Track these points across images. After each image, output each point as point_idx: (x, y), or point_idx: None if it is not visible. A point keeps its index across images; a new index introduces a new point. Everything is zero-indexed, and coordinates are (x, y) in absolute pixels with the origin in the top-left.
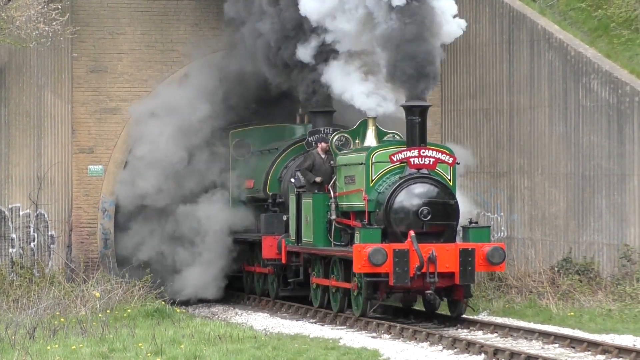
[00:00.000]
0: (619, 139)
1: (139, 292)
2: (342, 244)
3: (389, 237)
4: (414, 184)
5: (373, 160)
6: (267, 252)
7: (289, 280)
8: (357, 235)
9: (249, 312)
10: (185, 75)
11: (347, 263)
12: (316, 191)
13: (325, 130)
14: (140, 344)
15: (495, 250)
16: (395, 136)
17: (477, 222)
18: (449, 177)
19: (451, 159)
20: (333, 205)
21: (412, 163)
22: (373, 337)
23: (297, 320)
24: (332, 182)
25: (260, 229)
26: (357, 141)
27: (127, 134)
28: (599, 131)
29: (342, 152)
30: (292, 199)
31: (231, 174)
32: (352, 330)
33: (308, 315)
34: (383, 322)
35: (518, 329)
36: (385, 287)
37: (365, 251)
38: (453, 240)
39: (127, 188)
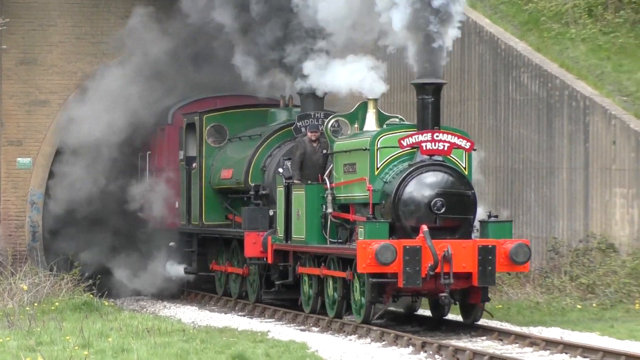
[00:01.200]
0: (548, 132)
1: (67, 285)
2: (339, 240)
3: (397, 232)
4: (426, 172)
5: (379, 146)
6: (250, 250)
7: (276, 283)
8: (360, 230)
9: (178, 305)
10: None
11: (346, 263)
12: (309, 182)
13: (316, 115)
14: (67, 337)
15: (519, 248)
16: (397, 120)
17: (497, 216)
18: (464, 165)
19: (468, 143)
20: (329, 198)
21: (425, 148)
22: (302, 329)
23: (225, 314)
24: (327, 171)
25: (237, 224)
26: (355, 126)
27: (57, 126)
28: (528, 125)
29: (340, 137)
30: (280, 191)
31: (204, 162)
32: (281, 323)
33: (237, 308)
34: (311, 315)
35: (447, 322)
36: (393, 289)
37: (372, 248)
38: (469, 236)
39: (60, 180)
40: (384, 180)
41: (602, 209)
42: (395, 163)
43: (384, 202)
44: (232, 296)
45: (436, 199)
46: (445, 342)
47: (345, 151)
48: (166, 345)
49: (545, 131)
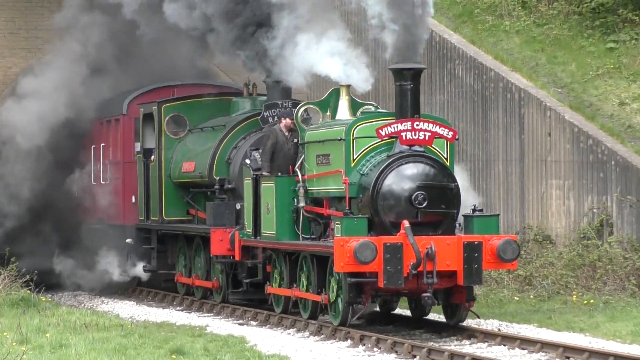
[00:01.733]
0: (483, 124)
1: (4, 281)
2: (313, 236)
3: (375, 228)
4: (405, 163)
5: (355, 135)
6: (217, 248)
7: (245, 282)
8: (337, 226)
9: (116, 300)
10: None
11: (321, 260)
12: (279, 174)
13: (284, 104)
14: (5, 333)
15: (507, 244)
16: (371, 108)
17: (482, 210)
18: (445, 156)
19: (450, 133)
20: (301, 191)
21: (404, 138)
22: (240, 324)
23: (163, 309)
24: (299, 162)
25: (200, 219)
26: (327, 114)
27: None
28: (463, 117)
29: (311, 126)
30: (247, 184)
31: (164, 155)
32: (219, 317)
33: (175, 303)
34: (250, 309)
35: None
36: (372, 289)
37: (350, 246)
38: (453, 232)
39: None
40: (361, 172)
41: (538, 200)
42: (372, 154)
43: (361, 195)
44: (195, 296)
45: (417, 192)
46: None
47: (318, 141)
48: (104, 341)
49: (480, 123)
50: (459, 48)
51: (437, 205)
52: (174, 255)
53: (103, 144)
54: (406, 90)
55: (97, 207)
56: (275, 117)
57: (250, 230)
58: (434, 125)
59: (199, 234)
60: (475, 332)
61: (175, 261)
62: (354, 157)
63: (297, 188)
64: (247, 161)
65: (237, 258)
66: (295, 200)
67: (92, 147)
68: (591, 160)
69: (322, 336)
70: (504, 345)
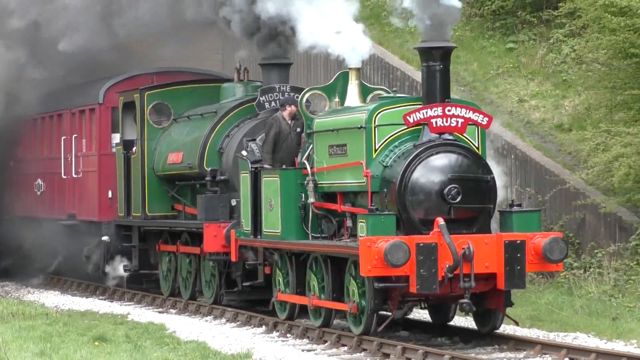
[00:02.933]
0: None
1: None
2: (324, 235)
3: (402, 226)
4: (436, 153)
5: (377, 123)
6: (211, 244)
7: (244, 285)
8: (361, 224)
9: (41, 290)
10: None
11: (337, 262)
12: (284, 166)
13: (281, 88)
14: None
15: (554, 243)
16: (383, 93)
17: (520, 205)
18: (476, 145)
19: (486, 119)
20: (311, 185)
21: (435, 125)
22: (160, 312)
23: (87, 298)
24: (305, 154)
25: (188, 215)
26: (336, 100)
27: None
28: None
29: (320, 113)
30: (244, 177)
31: (147, 146)
32: (140, 306)
33: (97, 292)
34: (170, 297)
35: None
36: (400, 294)
37: (378, 247)
38: (488, 229)
39: None
40: (384, 164)
41: None
42: (396, 144)
43: (385, 190)
44: (182, 296)
45: (450, 186)
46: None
47: (332, 130)
48: (30, 329)
49: None
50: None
51: (471, 199)
52: (155, 255)
53: (75, 135)
54: (434, 71)
55: (68, 202)
56: (275, 103)
57: (249, 229)
58: (468, 111)
59: (189, 230)
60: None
61: (159, 260)
62: (376, 147)
63: (305, 182)
64: (244, 152)
65: (233, 259)
66: (303, 195)
67: (63, 138)
68: (492, 154)
69: (238, 322)
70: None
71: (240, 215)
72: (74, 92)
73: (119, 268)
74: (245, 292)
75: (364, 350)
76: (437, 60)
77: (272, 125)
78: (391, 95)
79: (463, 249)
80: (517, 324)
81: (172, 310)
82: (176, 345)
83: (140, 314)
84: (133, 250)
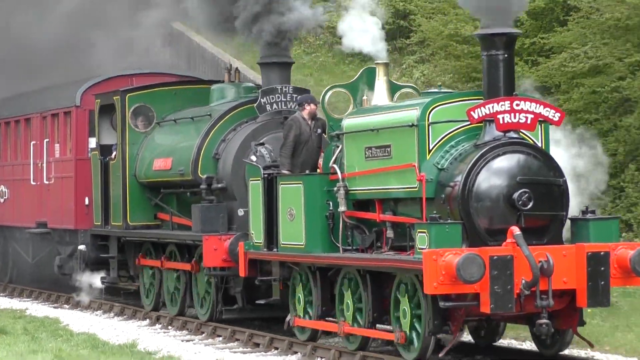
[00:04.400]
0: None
1: None
2: (355, 247)
3: (467, 236)
4: (503, 154)
5: (431, 120)
6: (210, 259)
7: (260, 302)
8: (421, 235)
9: None
10: None
11: (377, 278)
12: (307, 172)
13: (284, 89)
14: None
15: None
16: (411, 91)
17: (594, 212)
18: (540, 145)
19: (557, 114)
20: (342, 192)
21: (502, 122)
22: (55, 307)
23: None
24: (333, 157)
25: (175, 225)
26: (364, 98)
27: None
28: None
29: (350, 112)
30: (254, 185)
31: (128, 151)
32: (37, 302)
33: None
34: (63, 294)
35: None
36: (464, 315)
37: (446, 260)
38: (560, 240)
39: None
40: (439, 166)
41: None
42: (452, 143)
43: (442, 195)
44: (167, 310)
45: (521, 191)
46: None
47: (370, 130)
48: None
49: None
50: (242, 73)
51: (543, 206)
52: (134, 266)
53: (47, 140)
54: (498, 61)
55: (38, 209)
56: (277, 105)
57: (260, 241)
58: (538, 105)
59: (181, 242)
60: None
61: (140, 272)
62: (430, 148)
63: (335, 189)
64: (253, 158)
65: (242, 274)
66: (331, 203)
67: (32, 143)
68: None
69: (124, 316)
70: None
71: (249, 226)
72: (43, 95)
73: (95, 279)
74: (247, 309)
75: None
76: (500, 48)
77: (292, 126)
78: (413, 92)
79: (541, 262)
80: (592, 345)
81: (65, 305)
82: (69, 337)
83: (37, 309)
84: (111, 262)
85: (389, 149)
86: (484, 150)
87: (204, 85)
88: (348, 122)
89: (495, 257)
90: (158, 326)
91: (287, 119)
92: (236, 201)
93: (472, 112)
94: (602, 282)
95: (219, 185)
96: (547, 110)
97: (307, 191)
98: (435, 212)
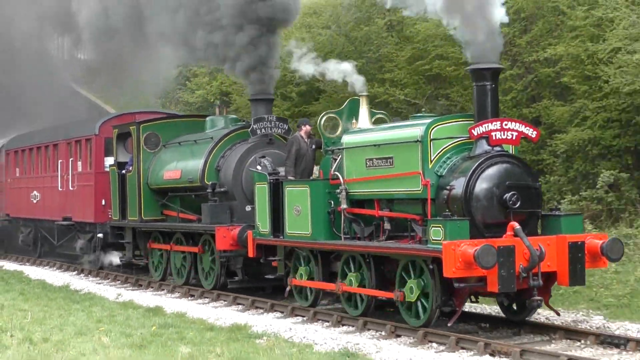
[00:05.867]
0: None
1: None
2: (352, 236)
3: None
4: (495, 164)
5: (432, 136)
6: (221, 244)
7: (269, 277)
8: (436, 229)
9: None
10: None
11: (378, 261)
12: (311, 178)
13: (269, 118)
14: None
15: (614, 243)
16: (383, 117)
17: (559, 209)
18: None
19: (534, 132)
20: (344, 194)
21: (494, 138)
22: (20, 264)
23: None
24: (334, 166)
25: (182, 219)
26: (354, 121)
27: None
28: None
29: (349, 132)
30: (261, 188)
31: (141, 166)
32: (9, 262)
33: None
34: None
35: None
36: (467, 293)
37: (463, 250)
38: (536, 232)
39: None
40: (438, 173)
41: None
42: (447, 155)
43: (443, 197)
44: (175, 281)
45: (511, 193)
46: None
47: (372, 145)
48: None
49: None
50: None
51: (525, 205)
52: (145, 248)
53: (72, 159)
54: (487, 90)
55: (64, 208)
56: (264, 130)
57: (267, 230)
58: (521, 125)
59: (188, 231)
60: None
61: (149, 253)
62: (432, 159)
63: (337, 191)
64: (259, 167)
65: (251, 255)
66: (332, 202)
67: (60, 161)
68: None
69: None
70: None
71: (255, 219)
72: (66, 127)
73: (114, 258)
74: (245, 280)
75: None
76: (488, 79)
77: (293, 143)
78: (423, 114)
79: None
80: (558, 314)
81: (27, 263)
82: (28, 282)
83: (9, 265)
84: (127, 245)
85: (391, 160)
86: (480, 161)
87: (196, 119)
88: (348, 139)
89: (501, 247)
90: (162, 292)
91: (271, 140)
92: (236, 201)
93: (472, 130)
94: (579, 266)
95: (221, 189)
96: (527, 129)
97: (313, 193)
98: (433, 210)
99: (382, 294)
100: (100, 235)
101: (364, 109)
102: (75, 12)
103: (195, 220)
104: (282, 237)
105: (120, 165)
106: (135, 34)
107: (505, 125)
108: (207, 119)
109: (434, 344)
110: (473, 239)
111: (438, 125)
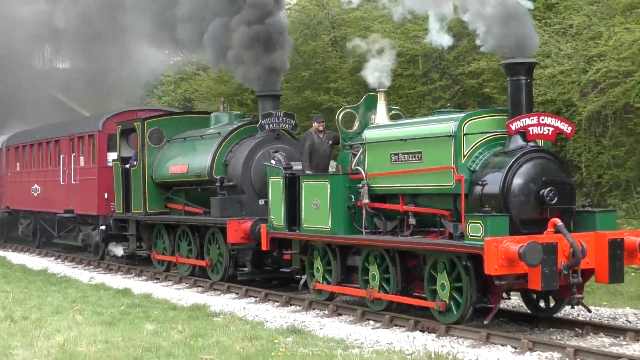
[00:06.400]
0: None
1: None
2: (372, 231)
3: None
4: (531, 159)
5: (465, 131)
6: (233, 237)
7: (284, 270)
8: (475, 225)
9: None
10: None
11: (403, 256)
12: (331, 172)
13: (277, 113)
14: None
15: None
16: (398, 112)
17: (590, 205)
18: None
19: (570, 127)
20: (366, 188)
21: (531, 133)
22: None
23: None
24: (354, 161)
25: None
26: (372, 117)
27: None
28: None
29: (371, 127)
30: (275, 182)
31: (146, 160)
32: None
33: None
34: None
35: None
36: (503, 290)
37: (505, 247)
38: (570, 227)
39: None
40: (471, 168)
41: None
42: (480, 150)
43: (477, 192)
44: (181, 272)
45: (548, 189)
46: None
47: (398, 140)
48: None
49: None
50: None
51: (561, 201)
52: (149, 240)
53: (74, 154)
54: (522, 85)
55: (66, 200)
56: (272, 125)
57: (281, 224)
58: (557, 120)
59: (194, 224)
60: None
61: (152, 244)
62: (465, 153)
63: (360, 185)
64: (273, 162)
65: (264, 248)
66: (352, 197)
67: (61, 156)
68: None
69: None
70: None
71: (269, 212)
72: (71, 125)
73: (115, 248)
74: (254, 272)
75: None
76: (523, 73)
77: (306, 138)
78: (447, 109)
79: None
80: (589, 311)
81: (9, 249)
82: (10, 266)
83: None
84: (130, 237)
85: (419, 155)
86: (517, 156)
87: (198, 115)
88: (370, 134)
89: (545, 244)
90: (130, 275)
91: (279, 135)
92: (245, 195)
93: (510, 125)
94: (619, 263)
95: (230, 183)
96: (563, 124)
97: (333, 187)
98: (468, 205)
99: (415, 302)
100: (102, 227)
101: (381, 105)
102: (55, 20)
103: (202, 214)
104: (298, 230)
105: (123, 160)
106: (116, 34)
107: (542, 120)
108: (212, 115)
109: (371, 322)
110: (513, 236)
111: (471, 120)
